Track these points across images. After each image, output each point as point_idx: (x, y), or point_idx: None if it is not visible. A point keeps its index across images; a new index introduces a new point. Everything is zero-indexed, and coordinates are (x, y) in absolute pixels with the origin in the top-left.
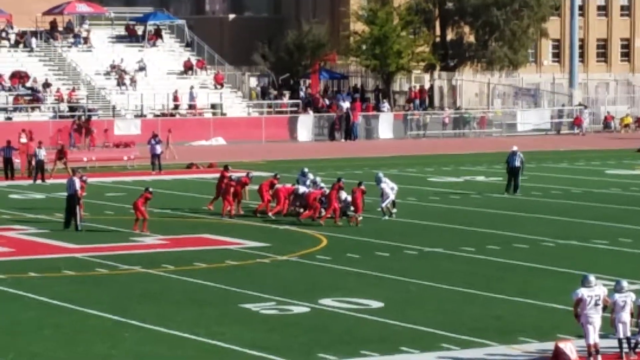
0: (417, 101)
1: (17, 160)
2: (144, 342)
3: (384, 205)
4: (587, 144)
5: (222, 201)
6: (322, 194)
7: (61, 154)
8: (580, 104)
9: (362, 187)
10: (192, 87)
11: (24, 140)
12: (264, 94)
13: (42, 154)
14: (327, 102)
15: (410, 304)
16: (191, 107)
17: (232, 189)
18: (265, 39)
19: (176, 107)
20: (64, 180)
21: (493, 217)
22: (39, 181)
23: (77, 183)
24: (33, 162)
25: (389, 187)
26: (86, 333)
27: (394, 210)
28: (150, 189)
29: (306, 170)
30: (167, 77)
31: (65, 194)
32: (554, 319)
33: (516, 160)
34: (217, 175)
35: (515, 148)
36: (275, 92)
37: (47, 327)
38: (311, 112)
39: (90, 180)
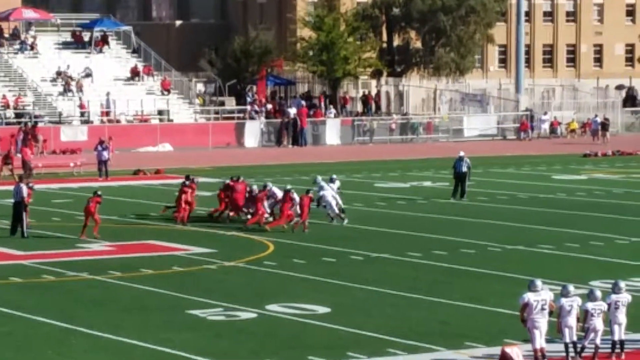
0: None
1: None
2: (91, 349)
3: (331, 212)
4: (533, 150)
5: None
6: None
7: (7, 160)
8: (527, 109)
9: (310, 194)
10: (108, 94)
11: None
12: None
13: None
14: (277, 107)
15: (356, 310)
16: (107, 113)
17: (184, 196)
18: (212, 45)
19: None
20: (10, 187)
21: (440, 223)
22: None
23: (25, 190)
24: None
25: (331, 195)
26: (35, 340)
27: (343, 216)
28: (100, 192)
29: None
30: (114, 83)
31: (12, 200)
32: (500, 323)
33: (463, 166)
34: (165, 181)
35: (462, 153)
36: (223, 98)
37: None
38: (262, 118)
39: (36, 186)
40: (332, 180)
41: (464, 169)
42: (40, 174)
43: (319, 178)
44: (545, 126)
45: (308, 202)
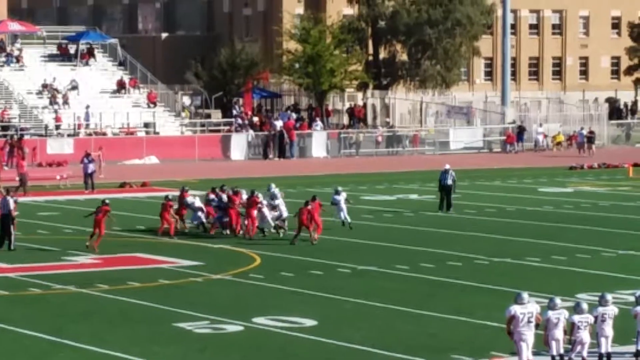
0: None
1: None
2: None
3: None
4: (519, 162)
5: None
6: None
7: None
8: (513, 122)
9: (318, 200)
10: (87, 107)
11: None
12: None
13: None
14: (264, 120)
15: (344, 322)
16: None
17: (170, 209)
18: (198, 58)
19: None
20: None
21: (426, 235)
22: None
23: (12, 202)
24: None
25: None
26: (21, 353)
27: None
28: (107, 201)
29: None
30: (100, 95)
31: None
32: (487, 336)
33: (448, 179)
34: (151, 194)
35: (447, 166)
36: (209, 111)
37: None
38: (251, 131)
39: (22, 199)
40: (337, 193)
41: (449, 181)
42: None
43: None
44: (540, 138)
45: (318, 208)
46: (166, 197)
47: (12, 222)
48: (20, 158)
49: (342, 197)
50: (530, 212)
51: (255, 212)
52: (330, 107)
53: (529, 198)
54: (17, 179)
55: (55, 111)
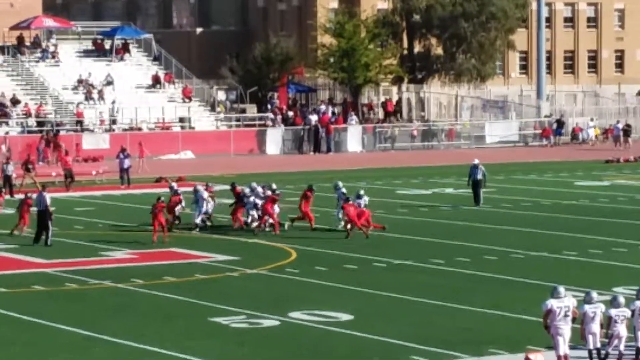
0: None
1: None
2: (114, 356)
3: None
4: (555, 156)
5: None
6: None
7: (28, 166)
8: (550, 115)
9: (359, 200)
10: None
11: None
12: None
13: (10, 169)
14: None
15: (379, 317)
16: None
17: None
18: (233, 52)
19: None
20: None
21: (462, 229)
22: (7, 196)
23: (48, 198)
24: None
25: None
26: (57, 348)
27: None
28: (162, 198)
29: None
30: (135, 91)
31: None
32: (523, 330)
33: (478, 173)
34: (186, 189)
35: (476, 161)
36: (244, 106)
37: (17, 343)
38: (282, 125)
39: (58, 195)
40: (359, 197)
41: (480, 176)
42: (62, 182)
43: (340, 184)
44: (591, 133)
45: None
46: (158, 198)
47: (50, 217)
48: (64, 154)
49: (362, 202)
50: (567, 206)
51: (274, 208)
52: (372, 102)
53: (565, 192)
54: (63, 174)
55: (77, 105)
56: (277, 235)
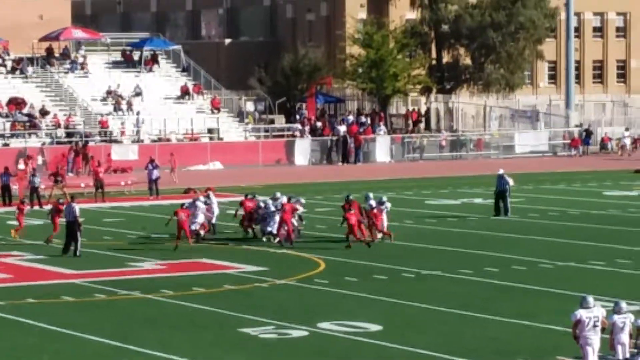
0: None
1: (14, 187)
2: None
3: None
4: (584, 165)
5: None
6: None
7: (57, 178)
8: (580, 125)
9: (381, 206)
10: (138, 113)
11: (22, 167)
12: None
13: (37, 180)
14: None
15: (409, 327)
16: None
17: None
18: (262, 63)
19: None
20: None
21: (491, 240)
22: (35, 207)
23: (77, 209)
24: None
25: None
26: (85, 359)
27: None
28: (186, 205)
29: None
30: (163, 102)
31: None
32: (552, 340)
33: (503, 183)
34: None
35: (501, 171)
36: (273, 116)
37: (47, 353)
38: (309, 136)
39: (88, 205)
40: (381, 203)
41: (505, 186)
42: (92, 193)
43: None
44: (628, 142)
45: (378, 214)
46: (182, 205)
47: (79, 228)
48: (96, 165)
49: (385, 207)
50: (595, 216)
51: (292, 217)
52: (408, 111)
53: (594, 201)
54: (94, 184)
55: (101, 115)
56: (291, 245)
